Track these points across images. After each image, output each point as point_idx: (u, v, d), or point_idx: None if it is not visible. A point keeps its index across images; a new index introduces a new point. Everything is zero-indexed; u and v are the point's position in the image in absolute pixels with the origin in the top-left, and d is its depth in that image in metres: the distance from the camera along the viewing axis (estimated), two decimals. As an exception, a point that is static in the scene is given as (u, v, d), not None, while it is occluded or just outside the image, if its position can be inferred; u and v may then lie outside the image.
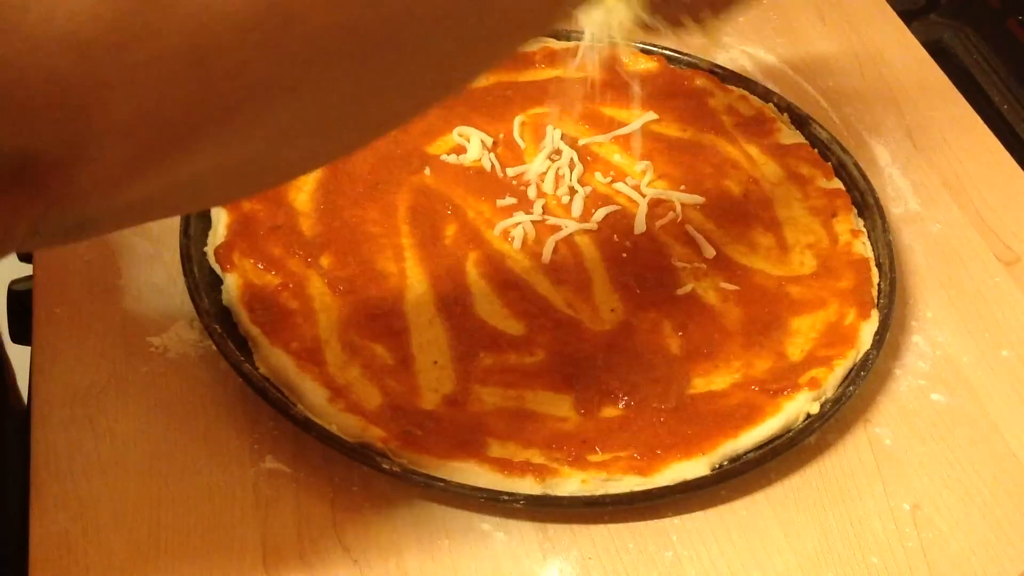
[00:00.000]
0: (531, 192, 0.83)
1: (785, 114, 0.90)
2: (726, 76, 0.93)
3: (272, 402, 0.67)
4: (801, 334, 0.75)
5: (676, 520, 0.66)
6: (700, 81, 0.92)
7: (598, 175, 0.85)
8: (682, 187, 0.84)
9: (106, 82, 0.35)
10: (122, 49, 0.35)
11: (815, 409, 0.70)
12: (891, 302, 0.76)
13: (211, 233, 0.76)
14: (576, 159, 0.85)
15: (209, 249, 0.75)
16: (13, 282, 0.80)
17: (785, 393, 0.70)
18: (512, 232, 0.79)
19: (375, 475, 0.66)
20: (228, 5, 0.37)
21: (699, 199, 0.83)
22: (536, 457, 0.66)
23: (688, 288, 0.77)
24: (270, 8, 0.38)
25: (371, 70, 0.42)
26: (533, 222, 0.80)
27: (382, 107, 0.46)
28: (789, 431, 0.69)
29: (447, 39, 0.44)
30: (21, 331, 0.77)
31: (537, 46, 0.93)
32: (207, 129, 0.39)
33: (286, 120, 0.41)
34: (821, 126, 0.89)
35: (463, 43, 0.46)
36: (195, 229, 0.76)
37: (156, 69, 0.36)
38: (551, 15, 0.51)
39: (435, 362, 0.71)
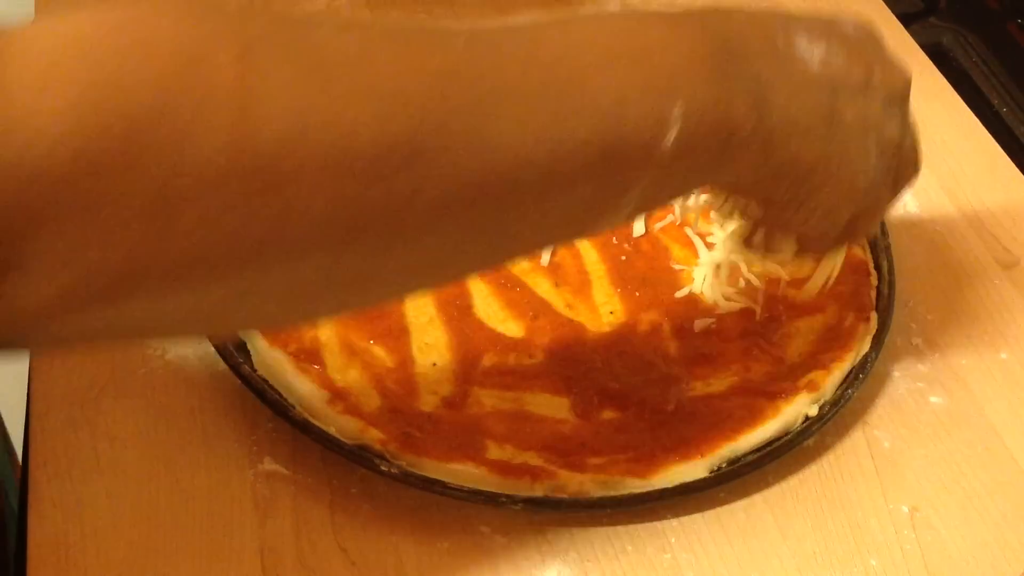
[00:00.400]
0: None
1: (784, 117, 0.90)
2: (725, 79, 0.93)
3: (270, 404, 0.67)
4: (800, 337, 0.75)
5: (674, 522, 0.66)
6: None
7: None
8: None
9: (48, 215, 0.33)
10: (78, 186, 0.33)
11: (814, 412, 0.70)
12: (890, 305, 0.76)
13: (210, 235, 0.76)
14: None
15: (208, 251, 0.75)
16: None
17: (783, 396, 0.70)
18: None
19: (374, 477, 0.66)
20: (209, 155, 0.35)
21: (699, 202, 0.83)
22: (535, 459, 0.66)
23: (687, 291, 0.77)
24: (256, 170, 0.36)
25: (356, 256, 0.41)
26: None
27: (370, 288, 0.45)
28: (788, 433, 0.69)
29: (440, 241, 0.43)
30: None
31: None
32: (152, 281, 0.36)
33: (246, 287, 0.39)
34: (820, 129, 0.89)
35: (459, 245, 0.45)
36: (194, 231, 0.76)
37: (107, 213, 0.34)
38: (602, 220, 0.51)
39: (434, 364, 0.71)
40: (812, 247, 0.63)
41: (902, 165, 0.60)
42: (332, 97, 0.38)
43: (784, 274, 0.75)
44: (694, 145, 0.49)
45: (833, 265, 0.73)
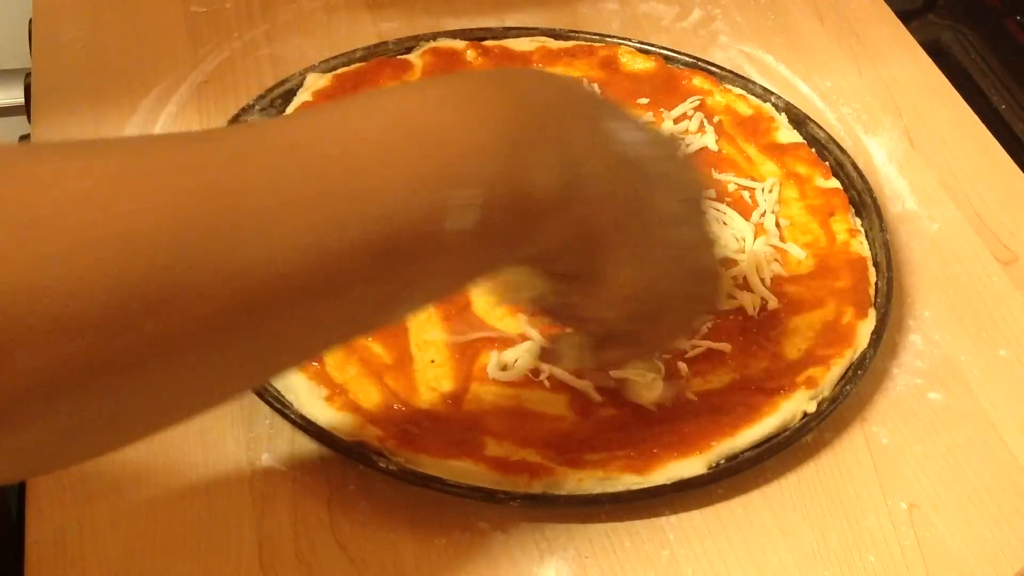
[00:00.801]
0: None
1: (783, 113, 0.90)
2: (724, 75, 0.93)
3: (268, 400, 0.67)
4: (798, 333, 0.75)
5: (673, 519, 0.66)
6: (698, 80, 0.92)
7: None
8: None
9: None
10: None
11: (812, 408, 0.70)
12: (888, 301, 0.76)
13: (208, 232, 0.76)
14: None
15: (206, 248, 0.75)
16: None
17: (782, 392, 0.70)
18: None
19: (372, 474, 0.66)
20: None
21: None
22: (533, 456, 0.66)
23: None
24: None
25: (110, 400, 0.40)
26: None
27: (140, 421, 0.45)
28: (786, 430, 0.69)
29: (208, 367, 0.42)
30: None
31: (534, 46, 0.93)
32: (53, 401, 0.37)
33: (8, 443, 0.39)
34: (819, 125, 0.89)
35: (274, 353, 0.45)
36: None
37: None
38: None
39: (432, 361, 0.71)
40: (613, 353, 0.62)
41: (699, 277, 0.59)
42: (46, 257, 0.36)
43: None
44: (495, 226, 0.47)
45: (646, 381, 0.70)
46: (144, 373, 0.40)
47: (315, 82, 0.87)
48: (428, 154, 0.46)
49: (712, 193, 0.79)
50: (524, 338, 0.72)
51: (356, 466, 0.66)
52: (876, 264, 0.79)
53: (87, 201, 0.38)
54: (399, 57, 0.90)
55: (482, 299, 0.74)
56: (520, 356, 0.71)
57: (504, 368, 0.71)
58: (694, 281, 0.60)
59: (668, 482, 0.66)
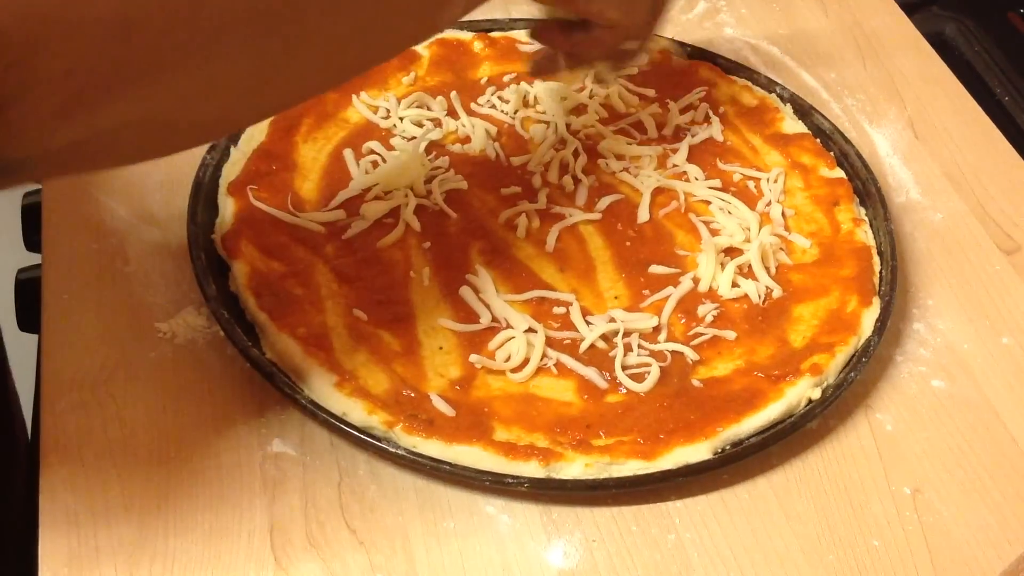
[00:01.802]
0: (535, 181, 0.83)
1: (788, 104, 0.91)
2: (729, 66, 0.94)
3: (279, 387, 0.68)
4: (803, 321, 0.75)
5: (679, 503, 0.67)
6: (703, 71, 0.93)
7: (602, 164, 0.85)
8: (684, 177, 0.85)
9: (43, 40, 0.40)
10: (58, 13, 0.40)
11: (817, 395, 0.70)
12: (892, 290, 0.76)
13: (218, 221, 0.77)
14: (581, 148, 0.86)
15: (216, 236, 0.76)
16: (21, 270, 0.81)
17: (787, 379, 0.70)
18: (516, 221, 0.80)
19: (381, 458, 0.67)
20: None
21: (702, 188, 0.84)
22: (540, 441, 0.67)
23: (691, 275, 0.77)
24: None
25: (273, 46, 0.48)
26: (537, 211, 0.81)
27: (281, 82, 0.52)
28: (791, 416, 0.70)
29: (342, 24, 0.50)
30: (29, 319, 0.77)
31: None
32: (128, 86, 0.44)
33: (198, 83, 0.47)
34: (824, 116, 0.90)
35: (357, 30, 0.51)
36: (202, 217, 0.76)
37: (87, 33, 0.41)
38: (443, 11, 0.58)
39: (440, 347, 0.72)
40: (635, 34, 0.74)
41: None
42: None
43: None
44: None
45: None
46: (304, 27, 0.48)
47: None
48: None
49: None
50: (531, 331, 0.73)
51: (365, 451, 0.67)
52: (880, 253, 0.80)
53: None
54: (406, 48, 0.91)
55: (489, 287, 0.75)
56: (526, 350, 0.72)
57: (509, 359, 0.71)
58: None
59: (674, 467, 0.66)
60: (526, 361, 0.71)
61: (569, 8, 0.72)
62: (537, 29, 0.78)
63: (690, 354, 0.73)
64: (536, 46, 0.84)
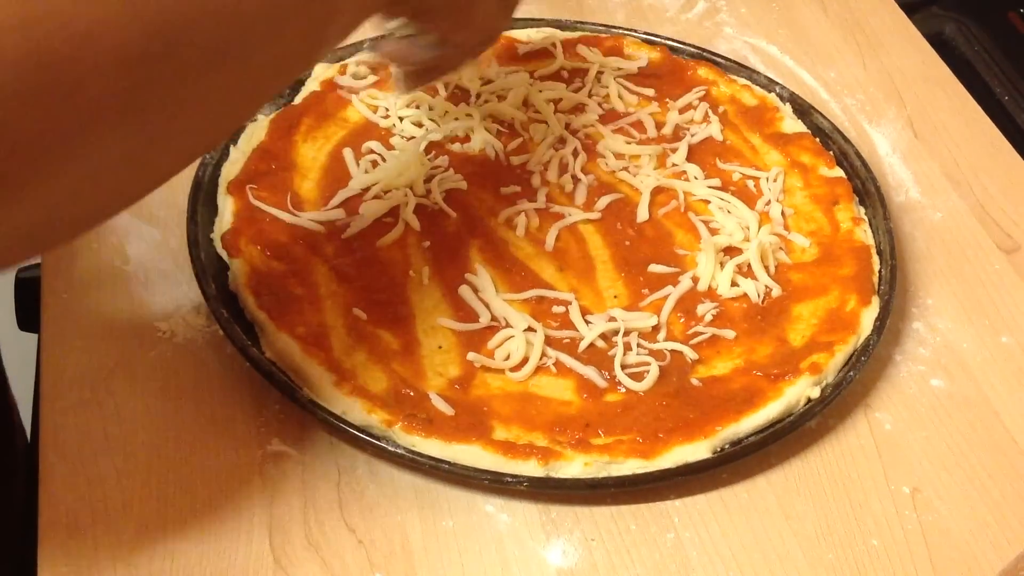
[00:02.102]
0: (535, 180, 0.83)
1: (787, 104, 0.91)
2: (729, 66, 0.94)
3: (278, 386, 0.68)
4: (802, 320, 0.75)
5: (678, 502, 0.67)
6: (703, 71, 0.93)
7: (601, 163, 0.85)
8: (683, 176, 0.85)
9: None
10: None
11: (816, 394, 0.70)
12: (892, 289, 0.76)
13: (218, 220, 0.77)
14: (580, 148, 0.86)
15: (216, 235, 0.76)
16: (21, 270, 0.81)
17: (786, 378, 0.70)
18: (516, 220, 0.80)
19: (380, 458, 0.67)
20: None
21: (702, 187, 0.84)
22: (540, 440, 0.67)
23: (690, 274, 0.77)
24: (54, 80, 0.40)
25: (153, 122, 0.46)
26: (537, 210, 0.81)
27: (166, 155, 0.49)
28: (790, 415, 0.70)
29: (231, 72, 0.49)
30: (29, 319, 0.77)
31: (540, 36, 0.93)
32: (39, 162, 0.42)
33: (69, 182, 0.44)
34: (823, 115, 0.90)
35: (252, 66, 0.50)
36: (202, 216, 0.76)
37: None
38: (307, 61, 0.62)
39: (440, 347, 0.72)
40: (473, 50, 0.76)
41: None
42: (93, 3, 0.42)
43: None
44: None
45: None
46: (181, 95, 0.46)
47: (323, 72, 0.88)
48: None
49: None
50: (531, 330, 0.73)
51: (365, 450, 0.67)
52: (880, 252, 0.80)
53: None
54: (406, 47, 0.91)
55: (488, 286, 0.75)
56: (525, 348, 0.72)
57: (508, 358, 0.71)
58: None
59: (673, 466, 0.66)
60: (525, 360, 0.71)
61: (423, 27, 0.71)
62: (378, 43, 0.75)
63: (689, 353, 0.73)
64: (371, 56, 0.85)
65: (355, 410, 0.67)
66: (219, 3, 0.46)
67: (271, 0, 0.49)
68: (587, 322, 0.74)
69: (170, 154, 0.50)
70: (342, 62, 0.89)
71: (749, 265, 0.78)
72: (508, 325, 0.73)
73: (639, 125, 0.89)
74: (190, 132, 0.49)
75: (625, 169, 0.85)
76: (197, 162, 0.79)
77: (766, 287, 0.77)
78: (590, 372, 0.71)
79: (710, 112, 0.90)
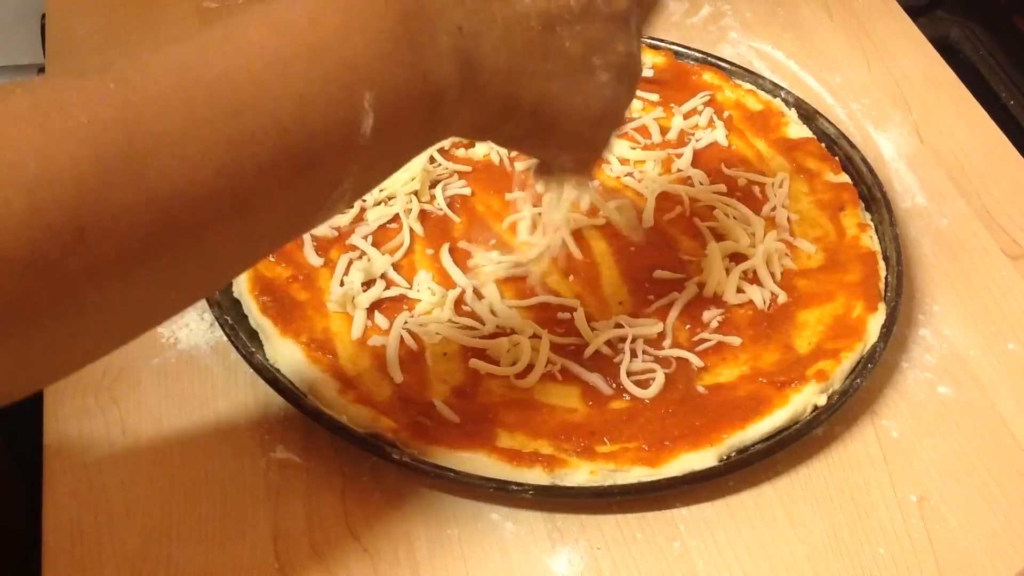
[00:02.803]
0: (539, 186, 0.83)
1: (792, 109, 0.91)
2: (734, 71, 0.94)
3: (283, 393, 0.67)
4: (808, 327, 0.75)
5: (684, 511, 0.67)
6: (708, 76, 0.93)
7: (606, 169, 0.85)
8: (688, 181, 0.85)
9: None
10: None
11: (822, 401, 0.70)
12: (898, 295, 0.76)
13: (221, 226, 0.77)
14: (584, 153, 0.85)
15: (220, 241, 0.76)
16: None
17: (793, 385, 0.70)
18: (520, 225, 0.80)
19: (385, 465, 0.66)
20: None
21: (707, 193, 0.83)
22: (545, 448, 0.66)
23: (696, 281, 0.77)
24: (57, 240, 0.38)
25: (43, 335, 0.41)
26: (541, 215, 0.81)
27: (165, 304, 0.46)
28: (796, 423, 0.69)
29: (141, 290, 0.44)
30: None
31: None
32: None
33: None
34: (828, 121, 0.89)
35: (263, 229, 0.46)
36: (206, 222, 0.76)
37: None
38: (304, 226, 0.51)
39: (444, 354, 0.72)
40: (580, 169, 0.64)
41: (634, 70, 0.60)
42: None
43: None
44: (398, 122, 0.48)
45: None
46: (72, 310, 0.41)
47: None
48: (321, 61, 0.46)
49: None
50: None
51: (369, 458, 0.66)
52: (886, 258, 0.79)
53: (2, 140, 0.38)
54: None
55: (493, 293, 0.75)
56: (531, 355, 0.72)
57: (513, 364, 0.71)
58: (633, 75, 0.60)
59: (679, 474, 0.66)
60: (530, 367, 0.71)
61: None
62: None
63: (695, 360, 0.72)
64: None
65: (360, 418, 0.66)
66: (152, 192, 0.41)
67: (240, 180, 0.43)
68: (592, 329, 0.74)
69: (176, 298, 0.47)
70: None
71: (755, 271, 0.78)
72: (513, 332, 0.73)
73: (644, 130, 0.89)
74: (118, 326, 0.45)
75: (630, 175, 0.85)
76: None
77: (772, 294, 0.77)
78: (596, 379, 0.71)
79: (715, 117, 0.90)
